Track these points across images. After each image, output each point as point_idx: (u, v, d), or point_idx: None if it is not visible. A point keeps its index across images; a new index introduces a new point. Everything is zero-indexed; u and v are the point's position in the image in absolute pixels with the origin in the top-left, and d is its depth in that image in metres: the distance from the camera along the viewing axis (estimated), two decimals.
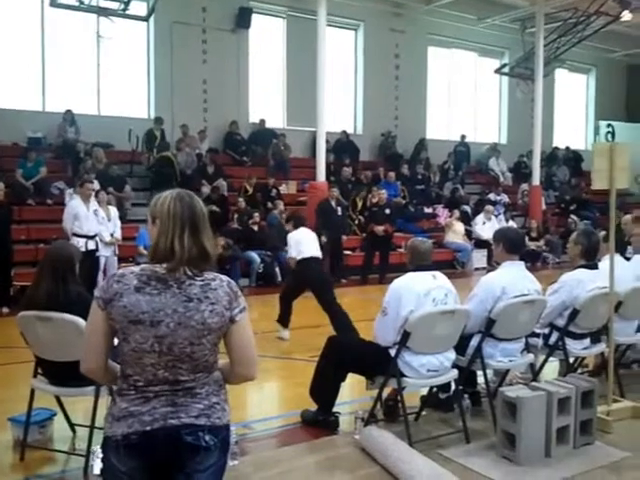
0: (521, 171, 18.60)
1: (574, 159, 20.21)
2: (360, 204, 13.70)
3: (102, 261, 9.74)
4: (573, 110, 22.09)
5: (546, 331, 4.83)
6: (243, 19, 15.14)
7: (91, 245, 9.07)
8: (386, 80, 17.23)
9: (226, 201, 12.56)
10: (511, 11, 17.45)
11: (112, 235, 9.87)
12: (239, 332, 2.19)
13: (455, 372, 4.17)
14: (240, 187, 13.28)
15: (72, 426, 4.30)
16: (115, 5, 12.19)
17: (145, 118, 14.49)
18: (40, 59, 13.56)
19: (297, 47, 15.59)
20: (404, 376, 3.99)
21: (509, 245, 4.43)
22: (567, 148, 20.22)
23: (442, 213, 15.43)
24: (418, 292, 3.97)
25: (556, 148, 19.95)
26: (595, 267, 4.83)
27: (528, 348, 4.59)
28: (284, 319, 7.63)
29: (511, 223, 15.58)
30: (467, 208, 15.72)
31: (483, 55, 19.49)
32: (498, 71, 18.60)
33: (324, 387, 4.27)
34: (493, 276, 4.44)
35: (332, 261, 12.23)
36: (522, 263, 4.49)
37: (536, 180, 16.44)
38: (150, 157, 13.25)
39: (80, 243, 8.90)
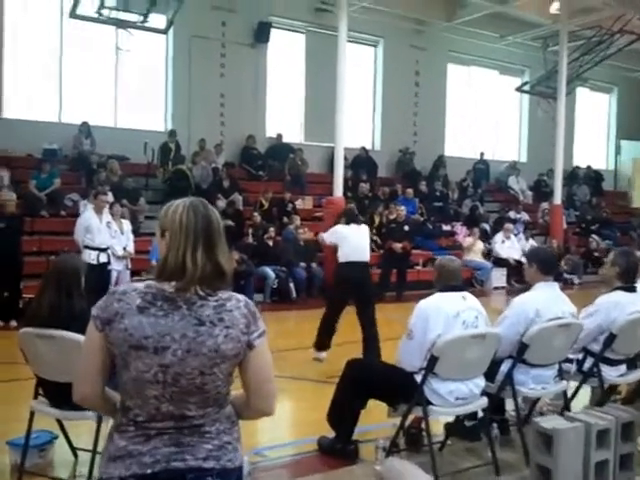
0: (541, 190, 18.30)
1: (595, 178, 19.88)
2: (377, 220, 13.45)
3: (114, 275, 9.55)
4: (594, 129, 21.79)
5: (580, 356, 4.54)
6: (262, 34, 15.02)
7: (103, 258, 8.87)
8: (405, 96, 17.04)
9: (241, 215, 12.37)
10: (533, 29, 17.21)
11: (125, 249, 9.69)
12: (257, 359, 1.93)
13: (485, 400, 3.89)
14: (256, 202, 13.08)
15: (74, 450, 4.05)
16: (134, 18, 12.07)
17: (162, 131, 14.35)
18: (58, 70, 13.48)
19: (316, 62, 15.46)
20: (430, 404, 3.72)
21: (543, 265, 4.16)
22: (588, 167, 19.91)
23: (460, 231, 15.14)
24: (447, 314, 3.70)
25: (577, 167, 19.66)
26: (634, 290, 4.54)
27: (562, 375, 4.30)
28: (322, 342, 6.87)
29: (531, 242, 15.32)
30: (486, 226, 15.43)
31: (504, 73, 19.28)
32: (519, 89, 18.35)
33: (343, 413, 4.00)
34: (526, 297, 4.17)
35: None
36: (556, 284, 4.23)
37: (557, 199, 16.12)
38: (165, 170, 13.08)
39: (92, 256, 8.75)
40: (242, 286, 10.87)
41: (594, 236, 16.76)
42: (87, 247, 8.79)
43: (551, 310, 4.08)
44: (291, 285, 11.28)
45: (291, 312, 10.80)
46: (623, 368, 4.60)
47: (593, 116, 21.67)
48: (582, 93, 20.69)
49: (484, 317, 3.87)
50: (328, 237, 7.02)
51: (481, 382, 3.87)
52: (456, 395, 3.74)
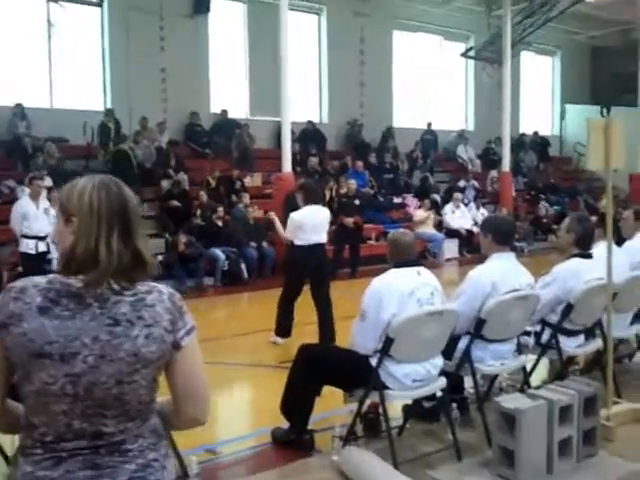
0: (489, 158, 18.31)
1: (541, 144, 20.00)
2: (328, 195, 13.22)
3: (55, 263, 9.12)
4: (539, 94, 21.86)
5: (537, 328, 4.41)
6: (202, 4, 14.47)
7: (42, 247, 8.46)
8: (351, 66, 16.71)
9: (188, 195, 11.98)
10: None
11: None
12: (186, 361, 1.68)
13: (443, 381, 3.72)
14: (202, 181, 12.70)
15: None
16: None
17: (101, 110, 13.74)
18: None
19: (259, 33, 15.02)
20: (387, 388, 3.53)
21: (500, 235, 3.99)
22: (535, 133, 20.00)
23: (412, 203, 15.04)
24: (401, 292, 3.50)
25: (523, 134, 19.71)
26: (590, 256, 4.42)
27: (520, 349, 4.17)
28: (282, 328, 6.53)
29: (482, 211, 15.33)
30: (437, 197, 15.36)
31: (449, 39, 19.10)
32: (464, 55, 18.28)
33: (296, 402, 3.78)
34: (482, 270, 4.00)
35: None
36: (512, 254, 4.06)
37: (506, 166, 16.15)
38: (105, 151, 12.54)
39: (30, 245, 8.35)
40: (191, 269, 10.58)
41: (543, 203, 16.87)
42: (24, 236, 8.38)
43: (508, 282, 3.92)
44: (242, 266, 10.97)
45: (243, 294, 10.52)
46: (581, 338, 4.51)
47: (537, 81, 21.70)
48: (526, 57, 20.70)
49: (440, 293, 3.68)
50: (291, 234, 6.43)
51: (439, 362, 3.70)
52: (413, 377, 3.55)
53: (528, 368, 4.39)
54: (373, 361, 3.54)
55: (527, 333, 4.34)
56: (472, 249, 14.36)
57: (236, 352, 6.65)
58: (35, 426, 1.61)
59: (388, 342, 3.44)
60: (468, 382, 4.27)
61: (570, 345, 4.41)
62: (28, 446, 1.63)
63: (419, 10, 17.36)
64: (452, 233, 14.32)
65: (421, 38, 18.64)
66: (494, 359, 3.98)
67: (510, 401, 3.46)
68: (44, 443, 1.61)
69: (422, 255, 13.31)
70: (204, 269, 10.69)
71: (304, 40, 16.39)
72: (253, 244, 11.31)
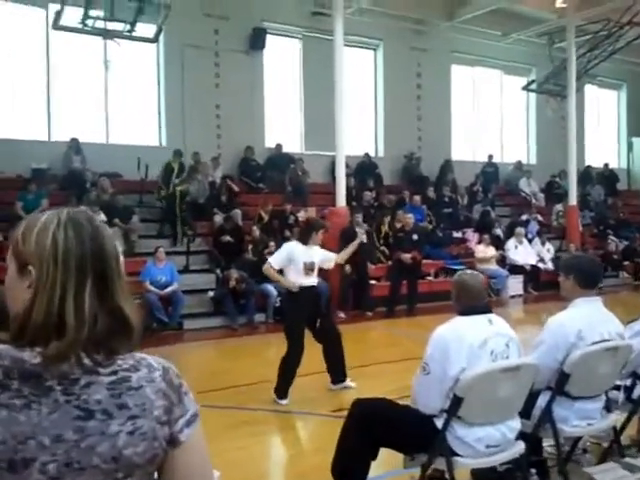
0: (554, 191, 17.60)
1: (609, 178, 19.18)
2: (384, 230, 12.79)
3: None
4: (604, 127, 21.10)
5: (628, 382, 3.84)
6: (257, 40, 14.44)
7: None
8: (408, 100, 16.41)
9: (240, 231, 11.72)
10: (538, 25, 16.61)
11: None
12: (187, 461, 1.22)
13: (522, 446, 3.19)
14: (255, 215, 12.44)
15: None
16: (120, 26, 11.52)
17: (156, 146, 13.81)
18: (45, 86, 12.93)
19: (314, 69, 14.85)
20: (455, 454, 3.03)
21: (584, 277, 3.46)
22: (605, 165, 19.22)
23: (472, 237, 14.46)
24: (471, 343, 3.01)
25: (589, 167, 18.94)
26: None
27: (609, 406, 3.61)
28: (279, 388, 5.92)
29: (547, 246, 14.64)
30: (499, 231, 14.73)
31: (509, 73, 18.64)
32: (526, 88, 17.72)
33: (350, 465, 3.29)
34: (565, 317, 3.47)
35: (356, 292, 11.32)
36: (599, 299, 3.53)
37: (572, 200, 15.44)
38: (167, 192, 12.27)
39: None
40: (242, 306, 10.25)
41: (612, 237, 16.03)
42: None
43: (595, 331, 3.39)
44: None
45: None
46: None
47: (602, 114, 21.01)
48: (590, 91, 20.06)
49: (516, 344, 3.17)
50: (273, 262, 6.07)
51: (516, 424, 3.17)
52: (486, 442, 3.04)
53: (617, 426, 3.81)
54: (439, 422, 3.05)
55: (616, 387, 3.77)
56: (538, 285, 13.68)
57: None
58: None
59: (456, 402, 2.95)
60: (546, 440, 3.73)
61: None
62: None
63: (478, 44, 17.00)
64: (516, 269, 13.66)
65: (481, 72, 18.21)
66: (579, 419, 3.43)
67: (603, 473, 2.92)
68: None
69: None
70: (255, 305, 10.36)
71: (360, 74, 16.18)
72: None
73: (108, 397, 1.15)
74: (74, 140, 12.42)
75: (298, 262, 5.85)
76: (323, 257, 6.18)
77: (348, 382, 6.24)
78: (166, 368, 1.24)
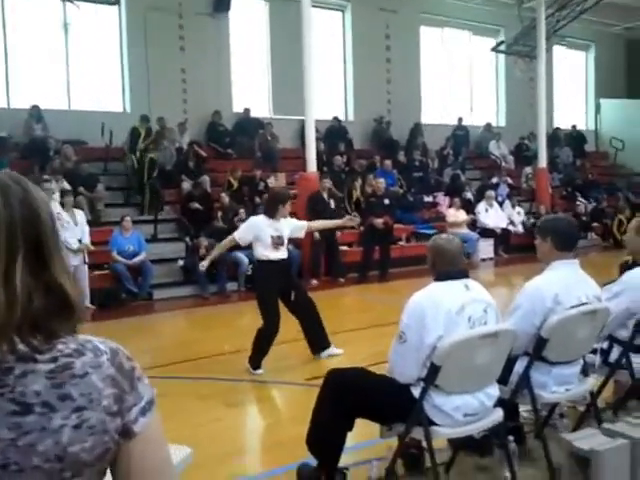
0: (523, 154, 17.61)
1: (577, 139, 19.23)
2: (355, 195, 12.67)
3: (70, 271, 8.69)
4: (572, 89, 21.08)
5: (604, 345, 3.81)
6: (222, 2, 14.03)
7: None
8: (377, 62, 16.16)
9: (209, 198, 11.51)
10: None
11: (80, 241, 8.83)
12: (144, 454, 1.08)
13: (500, 413, 3.13)
14: (224, 182, 12.22)
15: None
16: None
17: (120, 111, 13.44)
18: (3, 52, 12.43)
19: (281, 31, 14.50)
20: (433, 424, 2.96)
21: (562, 239, 3.38)
22: (574, 127, 19.25)
23: (443, 201, 14.42)
24: (448, 309, 2.92)
25: (558, 129, 18.96)
26: None
27: (586, 370, 3.57)
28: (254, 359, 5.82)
29: (517, 209, 14.67)
30: (469, 195, 14.72)
31: (477, 34, 18.46)
32: (495, 49, 17.61)
33: (325, 437, 3.21)
34: (541, 281, 3.39)
35: (327, 259, 11.23)
36: (576, 262, 3.46)
37: (542, 162, 15.44)
38: (133, 158, 11.95)
39: None
40: (213, 275, 10.10)
41: (581, 199, 16.14)
42: None
43: (572, 294, 3.32)
44: None
45: None
46: None
47: (571, 75, 20.96)
48: (558, 52, 19.96)
49: (494, 310, 3.09)
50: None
51: (494, 391, 3.11)
52: (464, 411, 2.97)
53: (594, 390, 3.79)
54: (416, 391, 2.97)
55: (593, 351, 3.73)
56: (508, 248, 13.74)
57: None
58: None
59: (434, 370, 2.87)
60: (523, 405, 3.70)
61: None
62: None
63: (447, 4, 16.79)
64: (487, 232, 13.68)
65: (450, 33, 18.01)
66: (557, 384, 3.38)
67: (583, 440, 2.88)
68: None
69: None
70: (227, 274, 10.21)
71: (328, 37, 15.89)
72: None
73: (48, 387, 1.00)
74: (35, 107, 12.01)
75: (265, 237, 5.70)
76: (293, 227, 6.00)
77: (333, 349, 6.14)
78: (114, 350, 1.08)
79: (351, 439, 3.34)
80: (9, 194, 1.03)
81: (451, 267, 3.10)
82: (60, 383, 1.00)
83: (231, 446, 4.04)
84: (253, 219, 6.03)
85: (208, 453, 3.69)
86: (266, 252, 5.75)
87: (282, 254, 5.84)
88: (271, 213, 5.79)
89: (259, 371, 5.75)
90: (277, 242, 5.73)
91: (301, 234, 6.35)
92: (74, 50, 13.01)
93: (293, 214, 11.74)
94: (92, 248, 9.19)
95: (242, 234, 5.90)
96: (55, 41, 12.80)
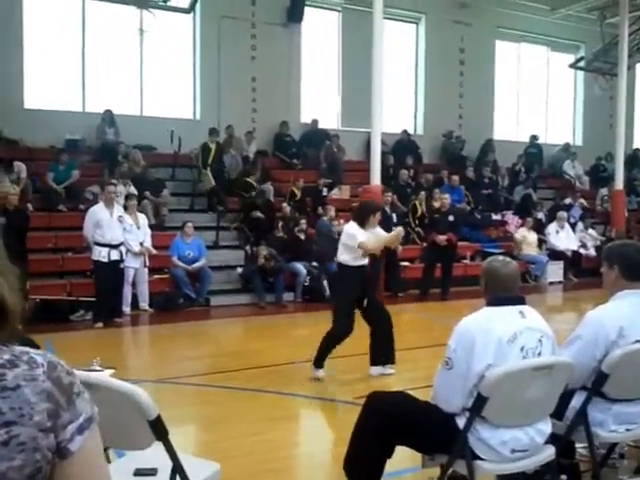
0: (599, 175, 16.96)
1: None
2: (420, 210, 12.43)
3: (130, 273, 8.83)
4: None
5: None
6: (295, 13, 14.07)
7: (114, 255, 8.14)
8: (450, 76, 15.90)
9: (272, 207, 11.49)
10: None
11: (142, 244, 8.94)
12: (79, 476, 0.99)
13: (552, 451, 2.90)
14: (288, 192, 12.19)
15: None
16: None
17: (190, 119, 13.63)
18: (80, 57, 12.81)
19: (353, 42, 14.46)
20: (478, 458, 2.76)
21: (629, 268, 3.12)
22: None
23: (512, 220, 14.00)
24: (499, 337, 2.72)
25: (637, 150, 18.20)
26: None
27: None
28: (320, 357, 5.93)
29: (590, 232, 14.11)
30: (540, 215, 14.23)
31: (555, 49, 17.93)
32: (574, 66, 17.04)
33: (363, 463, 3.05)
34: (605, 311, 3.14)
35: (387, 273, 11.03)
36: None
37: (619, 184, 14.78)
38: (208, 174, 11.96)
39: (102, 253, 8.05)
40: (271, 284, 10.06)
41: None
42: (97, 244, 8.08)
43: (639, 328, 3.06)
44: (324, 282, 10.34)
45: (324, 312, 9.86)
46: None
47: None
48: None
49: (551, 340, 2.86)
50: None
51: (546, 427, 2.88)
52: (512, 447, 2.76)
53: None
54: (460, 422, 2.78)
55: None
56: (579, 272, 13.19)
57: (309, 381, 5.97)
58: None
59: (481, 401, 2.67)
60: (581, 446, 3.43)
61: None
62: None
63: (524, 18, 16.36)
64: (556, 255, 13.18)
65: (526, 48, 17.57)
66: (617, 423, 3.12)
67: None
68: None
69: (523, 278, 12.28)
70: (284, 284, 10.15)
71: (402, 49, 15.74)
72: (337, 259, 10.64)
73: None
74: (108, 112, 12.31)
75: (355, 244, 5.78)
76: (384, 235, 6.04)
77: (387, 368, 6.01)
78: (53, 364, 1.01)
79: (390, 466, 3.16)
80: None
81: (505, 292, 2.90)
82: None
83: (264, 463, 3.91)
84: (351, 226, 5.94)
85: (239, 469, 3.58)
86: (350, 258, 5.85)
87: (363, 261, 5.91)
88: (362, 222, 5.83)
89: (320, 372, 5.82)
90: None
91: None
92: (148, 57, 13.29)
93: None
94: (154, 252, 9.29)
95: (360, 238, 5.82)
96: (130, 48, 13.10)
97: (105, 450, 2.72)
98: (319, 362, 5.86)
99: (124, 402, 2.31)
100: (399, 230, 6.20)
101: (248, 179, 11.90)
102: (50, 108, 12.21)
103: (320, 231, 11.12)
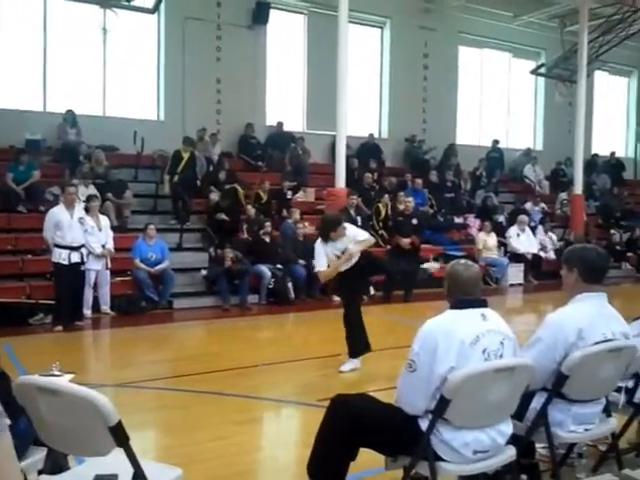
0: (559, 179, 17.28)
1: (616, 167, 18.81)
2: (383, 213, 12.50)
3: (91, 275, 8.70)
4: (613, 115, 20.67)
5: (630, 384, 3.59)
6: (260, 15, 14.06)
7: (75, 257, 8.01)
8: (414, 81, 16.05)
9: (236, 209, 11.43)
10: (550, 7, 16.20)
11: (103, 246, 8.82)
12: None
13: (513, 452, 2.94)
14: (252, 194, 12.13)
15: None
16: None
17: (154, 119, 13.49)
18: (42, 56, 12.59)
19: (318, 45, 14.50)
20: (440, 459, 2.78)
21: (589, 271, 3.18)
22: (612, 154, 18.85)
23: (473, 223, 14.17)
24: (462, 340, 2.75)
25: (596, 155, 18.59)
26: None
27: (609, 410, 3.35)
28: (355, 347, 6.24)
29: (550, 235, 14.36)
30: (501, 218, 14.44)
31: (517, 56, 18.23)
32: (535, 72, 17.34)
33: (326, 465, 3.04)
34: (565, 314, 3.19)
35: None
36: (604, 295, 3.25)
37: (578, 189, 15.10)
38: (171, 179, 11.77)
39: (62, 255, 7.92)
40: (235, 286, 10.02)
41: (616, 228, 15.74)
42: (57, 246, 7.94)
43: (597, 330, 3.12)
44: (289, 285, 10.35)
45: (289, 315, 9.89)
46: None
47: (611, 101, 20.57)
48: (600, 77, 19.63)
49: (512, 342, 2.90)
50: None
51: (507, 428, 2.92)
52: (474, 448, 2.79)
53: (616, 430, 3.56)
54: (423, 424, 2.80)
55: (617, 389, 3.51)
56: (539, 275, 13.41)
57: (269, 384, 5.96)
58: None
59: (443, 403, 2.70)
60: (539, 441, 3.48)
61: None
62: None
63: (487, 25, 16.61)
64: (517, 257, 13.39)
65: (489, 54, 17.82)
66: (576, 423, 3.18)
67: None
68: None
69: (484, 281, 12.43)
70: (249, 286, 10.11)
71: (367, 53, 15.82)
72: (302, 262, 10.67)
73: None
74: (70, 112, 12.13)
75: (333, 257, 6.01)
76: (353, 240, 6.10)
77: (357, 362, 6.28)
78: None
79: (354, 468, 3.17)
80: None
81: (467, 295, 2.93)
82: None
83: (228, 467, 3.88)
84: (317, 246, 6.14)
85: (202, 474, 3.55)
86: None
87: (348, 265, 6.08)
88: (324, 237, 6.06)
89: (356, 361, 6.16)
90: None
91: (364, 240, 6.32)
92: (111, 57, 13.12)
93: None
94: (114, 253, 9.15)
95: (320, 262, 6.08)
96: (93, 47, 12.91)
97: (65, 457, 2.69)
98: (354, 351, 6.21)
99: (83, 408, 2.27)
100: (348, 253, 6.13)
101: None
102: (10, 107, 11.98)
103: (285, 234, 11.11)
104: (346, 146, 11.68)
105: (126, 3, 11.40)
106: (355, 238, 6.12)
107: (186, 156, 11.89)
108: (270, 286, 10.18)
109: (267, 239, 10.67)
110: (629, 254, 15.24)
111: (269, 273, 10.19)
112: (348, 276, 6.14)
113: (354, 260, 6.04)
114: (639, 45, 18.02)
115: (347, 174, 11.55)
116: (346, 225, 6.14)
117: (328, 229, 6.03)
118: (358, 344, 6.20)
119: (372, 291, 6.40)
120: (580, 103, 15.22)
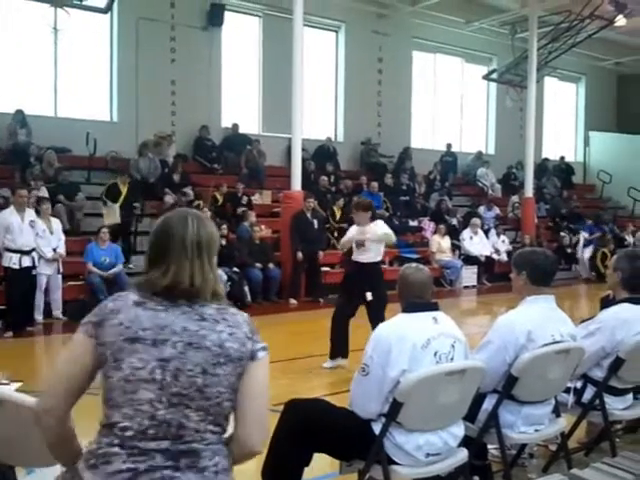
0: (510, 183, 17.62)
1: (565, 171, 19.28)
2: (339, 214, 12.56)
3: (43, 280, 8.50)
4: (562, 120, 21.19)
5: (578, 385, 3.68)
6: (215, 16, 13.99)
7: (26, 261, 7.83)
8: (368, 85, 16.17)
9: None
10: (500, 14, 16.50)
11: (55, 250, 8.64)
12: (258, 377, 1.80)
13: (464, 454, 2.99)
14: (208, 196, 12.05)
15: None
16: None
17: (107, 121, 13.29)
18: None
19: (274, 48, 14.47)
20: (393, 463, 2.81)
21: (537, 274, 3.25)
22: (562, 158, 19.30)
23: (428, 226, 14.34)
24: (413, 343, 2.79)
25: (546, 159, 19.01)
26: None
27: (558, 410, 3.44)
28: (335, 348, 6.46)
29: (503, 238, 14.62)
30: (455, 221, 14.65)
31: (470, 61, 18.53)
32: (487, 77, 17.63)
33: (281, 471, 3.04)
34: (514, 317, 3.26)
35: (308, 279, 11.09)
36: (552, 297, 3.33)
37: (529, 192, 15.43)
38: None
39: (13, 259, 7.74)
40: None
41: (566, 231, 16.12)
42: (7, 250, 7.75)
43: (546, 332, 3.20)
44: (245, 288, 10.30)
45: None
46: (629, 398, 3.75)
47: (561, 107, 21.09)
48: (550, 83, 20.11)
49: (463, 345, 2.95)
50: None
51: (459, 431, 2.96)
52: (427, 451, 2.83)
53: (565, 430, 3.65)
54: (376, 428, 2.83)
55: (566, 390, 3.60)
56: (492, 277, 13.64)
57: None
58: (114, 424, 1.69)
59: (396, 406, 2.73)
60: (491, 443, 3.54)
61: (617, 407, 3.66)
62: (100, 454, 1.66)
63: (440, 30, 16.83)
64: (470, 260, 13.60)
65: (442, 59, 18.06)
66: (527, 424, 3.25)
67: None
68: (123, 441, 1.66)
69: (438, 283, 12.59)
70: None
71: (322, 57, 15.88)
72: (258, 265, 10.65)
73: (216, 313, 1.83)
74: (19, 112, 11.83)
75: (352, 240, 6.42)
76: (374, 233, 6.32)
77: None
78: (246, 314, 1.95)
79: (308, 473, 3.18)
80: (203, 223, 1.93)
81: (418, 298, 2.98)
82: (222, 313, 1.89)
83: None
84: (350, 228, 6.79)
85: None
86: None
87: (362, 257, 6.31)
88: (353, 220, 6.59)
89: (326, 364, 6.39)
90: (359, 244, 6.30)
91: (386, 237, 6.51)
92: (63, 56, 12.88)
93: (276, 232, 11.77)
94: (64, 257, 8.95)
95: (345, 238, 6.69)
96: (44, 46, 12.65)
97: (12, 468, 2.63)
98: (331, 353, 6.56)
99: (29, 417, 2.22)
100: (364, 235, 6.33)
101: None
102: None
103: (241, 237, 11.07)
104: (302, 149, 11.70)
105: (78, 2, 11.20)
106: (376, 230, 6.38)
107: (124, 190, 10.88)
108: (226, 290, 10.11)
109: (223, 242, 10.58)
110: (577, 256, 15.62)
111: (225, 276, 10.11)
112: (351, 278, 6.49)
113: (370, 249, 6.24)
114: (587, 52, 18.48)
115: (303, 177, 11.57)
116: (378, 222, 6.47)
117: (352, 210, 6.66)
118: (332, 346, 6.48)
119: (369, 297, 6.26)
120: (530, 108, 15.56)
